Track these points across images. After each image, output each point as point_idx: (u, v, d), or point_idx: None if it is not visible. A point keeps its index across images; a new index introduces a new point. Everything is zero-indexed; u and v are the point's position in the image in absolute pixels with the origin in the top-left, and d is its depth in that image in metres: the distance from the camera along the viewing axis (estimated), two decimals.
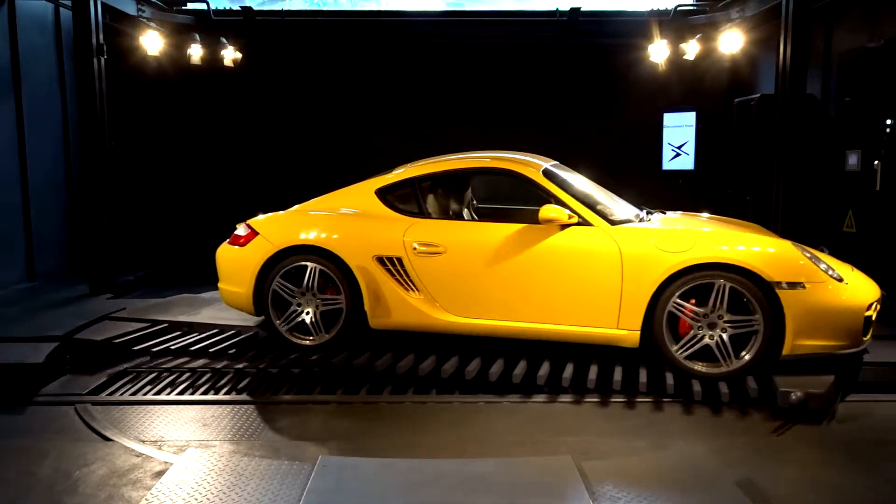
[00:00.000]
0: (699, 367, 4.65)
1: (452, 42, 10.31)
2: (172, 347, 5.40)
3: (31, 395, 4.74)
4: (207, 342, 5.48)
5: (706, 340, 4.62)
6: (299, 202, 5.64)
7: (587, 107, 10.57)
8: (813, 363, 4.57)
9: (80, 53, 7.10)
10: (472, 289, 4.99)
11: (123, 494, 3.35)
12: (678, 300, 4.62)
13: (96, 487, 3.42)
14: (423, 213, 5.23)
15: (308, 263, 5.13)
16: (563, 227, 4.85)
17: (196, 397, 4.68)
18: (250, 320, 5.71)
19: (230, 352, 5.31)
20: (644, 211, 5.39)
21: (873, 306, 4.64)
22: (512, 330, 4.98)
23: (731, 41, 8.91)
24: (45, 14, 8.32)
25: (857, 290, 4.64)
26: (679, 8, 9.78)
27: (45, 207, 8.15)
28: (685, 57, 9.44)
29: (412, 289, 5.06)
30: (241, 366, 5.10)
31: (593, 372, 4.72)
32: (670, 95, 10.27)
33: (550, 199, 4.99)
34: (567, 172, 5.48)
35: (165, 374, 5.07)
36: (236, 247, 5.38)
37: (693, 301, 4.63)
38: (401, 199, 5.30)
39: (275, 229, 5.29)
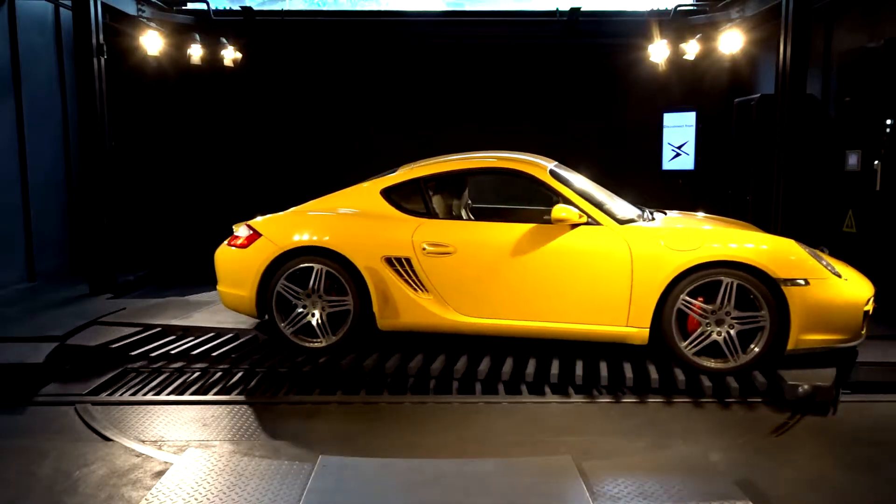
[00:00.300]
0: (708, 362, 4.71)
1: (452, 42, 10.31)
2: (172, 352, 5.27)
3: (31, 395, 4.74)
4: (207, 346, 5.35)
5: (714, 337, 4.68)
6: (299, 202, 5.59)
7: (587, 107, 10.57)
8: (815, 357, 4.69)
9: (80, 53, 7.09)
10: (482, 289, 4.98)
11: (123, 494, 3.35)
12: (687, 297, 4.68)
13: (96, 487, 3.42)
14: (430, 214, 5.20)
15: (314, 265, 5.08)
16: (574, 226, 4.87)
17: (196, 398, 4.68)
18: (246, 323, 5.68)
19: (232, 356, 5.20)
20: (645, 210, 5.41)
21: (870, 301, 4.78)
22: (522, 329, 4.99)
23: (731, 41, 8.90)
24: (45, 14, 8.32)
25: (855, 285, 4.75)
26: (679, 8, 9.78)
27: (45, 207, 8.15)
28: (685, 57, 9.44)
29: (421, 289, 5.04)
30: (245, 367, 5.06)
31: (604, 369, 4.79)
32: (670, 95, 10.27)
33: (558, 198, 5.00)
34: (569, 172, 5.48)
35: (166, 374, 5.05)
36: (237, 248, 5.29)
37: (701, 298, 4.68)
38: (407, 199, 5.27)
39: (278, 230, 5.22)
